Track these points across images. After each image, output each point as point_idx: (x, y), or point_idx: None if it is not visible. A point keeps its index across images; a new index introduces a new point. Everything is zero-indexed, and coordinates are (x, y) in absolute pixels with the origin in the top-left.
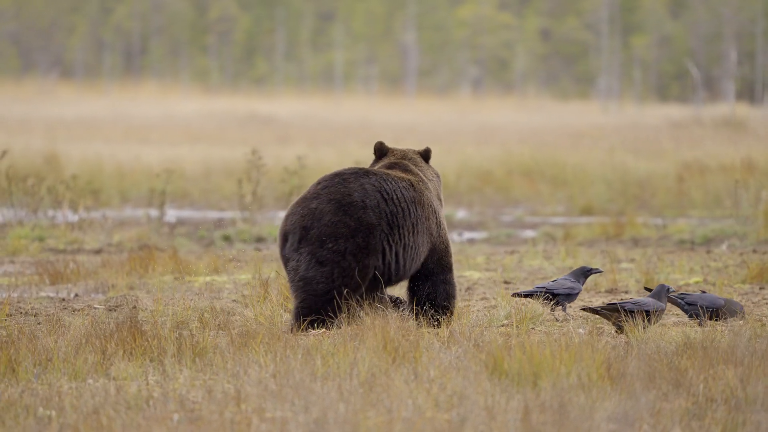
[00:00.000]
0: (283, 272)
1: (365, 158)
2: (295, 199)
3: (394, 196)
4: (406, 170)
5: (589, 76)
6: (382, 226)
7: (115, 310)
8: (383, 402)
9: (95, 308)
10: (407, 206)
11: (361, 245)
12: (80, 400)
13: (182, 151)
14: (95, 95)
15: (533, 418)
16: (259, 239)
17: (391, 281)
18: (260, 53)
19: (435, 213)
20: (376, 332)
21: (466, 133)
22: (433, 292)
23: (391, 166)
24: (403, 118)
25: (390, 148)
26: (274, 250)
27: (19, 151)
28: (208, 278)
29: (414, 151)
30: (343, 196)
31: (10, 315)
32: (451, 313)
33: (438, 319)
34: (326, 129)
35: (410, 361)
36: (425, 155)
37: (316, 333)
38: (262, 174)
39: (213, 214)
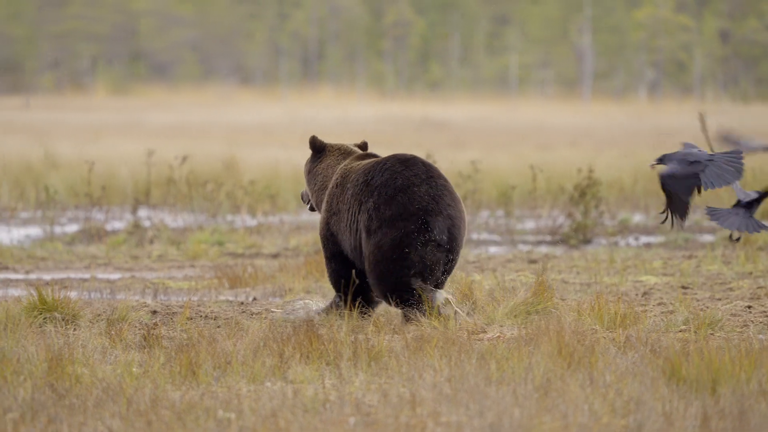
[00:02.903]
0: (459, 276)
1: (540, 162)
2: (469, 203)
3: None
4: None
5: None
6: None
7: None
8: (558, 407)
9: (273, 312)
10: None
11: None
12: (258, 402)
13: None
14: (273, 101)
15: (712, 424)
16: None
17: None
18: (435, 57)
19: None
20: (551, 337)
21: (642, 136)
22: None
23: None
24: (578, 122)
25: (327, 143)
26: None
27: (199, 157)
28: None
29: (354, 144)
30: None
31: (191, 318)
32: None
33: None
34: (501, 133)
35: (586, 366)
36: (363, 149)
37: (491, 337)
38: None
39: None
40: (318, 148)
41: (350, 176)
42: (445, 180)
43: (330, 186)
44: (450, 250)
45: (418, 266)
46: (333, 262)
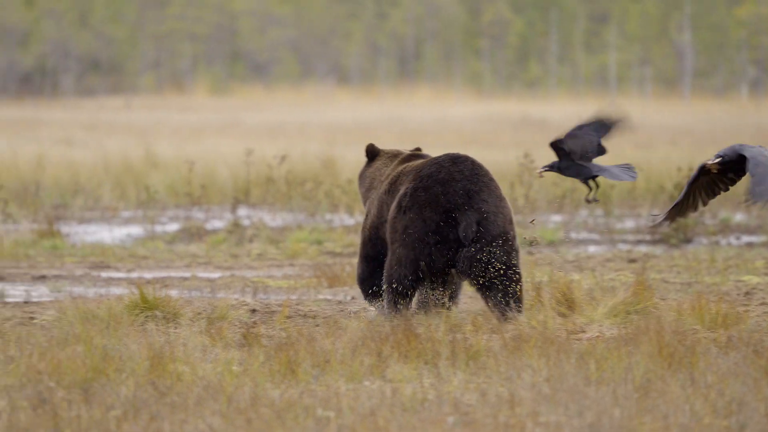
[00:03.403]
0: (558, 276)
1: (638, 160)
2: (568, 202)
3: None
4: None
5: None
6: None
7: None
8: (659, 407)
9: (371, 311)
10: None
11: None
12: (357, 401)
13: None
14: (370, 100)
15: None
16: (531, 242)
17: None
18: (533, 56)
19: None
20: (651, 337)
21: (744, 134)
22: None
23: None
24: (678, 120)
25: (382, 149)
26: (546, 253)
27: (297, 156)
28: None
29: (408, 150)
30: None
31: (290, 317)
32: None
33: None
34: None
35: (686, 366)
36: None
37: (590, 337)
38: (534, 177)
39: None
40: (373, 155)
41: (403, 173)
42: (491, 179)
43: (382, 190)
44: (477, 241)
45: (422, 266)
46: (365, 264)
